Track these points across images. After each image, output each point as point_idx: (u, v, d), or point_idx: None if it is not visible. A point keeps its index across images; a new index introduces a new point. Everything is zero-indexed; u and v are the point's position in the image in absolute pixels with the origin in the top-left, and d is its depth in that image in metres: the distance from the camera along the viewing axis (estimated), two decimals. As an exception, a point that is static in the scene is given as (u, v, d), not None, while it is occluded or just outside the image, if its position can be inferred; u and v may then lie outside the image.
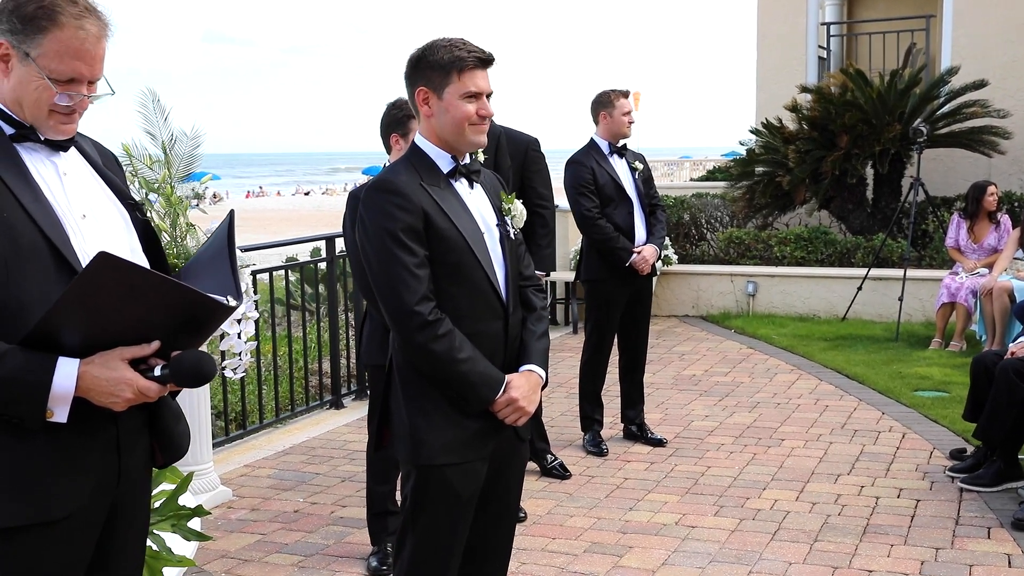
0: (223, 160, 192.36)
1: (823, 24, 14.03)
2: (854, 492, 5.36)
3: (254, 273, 6.56)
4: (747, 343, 9.40)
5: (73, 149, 2.31)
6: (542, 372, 3.04)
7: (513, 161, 5.40)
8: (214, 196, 58.94)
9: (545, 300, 3.18)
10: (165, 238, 5.13)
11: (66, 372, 2.09)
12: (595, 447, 6.14)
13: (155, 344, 2.15)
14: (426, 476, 2.91)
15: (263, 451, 6.31)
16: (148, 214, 5.09)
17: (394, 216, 2.82)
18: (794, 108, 11.52)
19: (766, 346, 9.24)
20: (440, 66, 2.90)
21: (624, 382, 6.39)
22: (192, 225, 5.27)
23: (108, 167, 2.40)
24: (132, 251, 2.31)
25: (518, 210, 3.06)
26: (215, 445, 6.25)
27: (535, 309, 3.10)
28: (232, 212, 2.48)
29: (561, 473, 5.69)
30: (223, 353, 5.22)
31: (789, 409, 7.06)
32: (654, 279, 6.39)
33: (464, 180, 3.01)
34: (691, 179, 17.54)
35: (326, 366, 7.45)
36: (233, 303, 2.19)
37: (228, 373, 5.22)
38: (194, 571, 4.47)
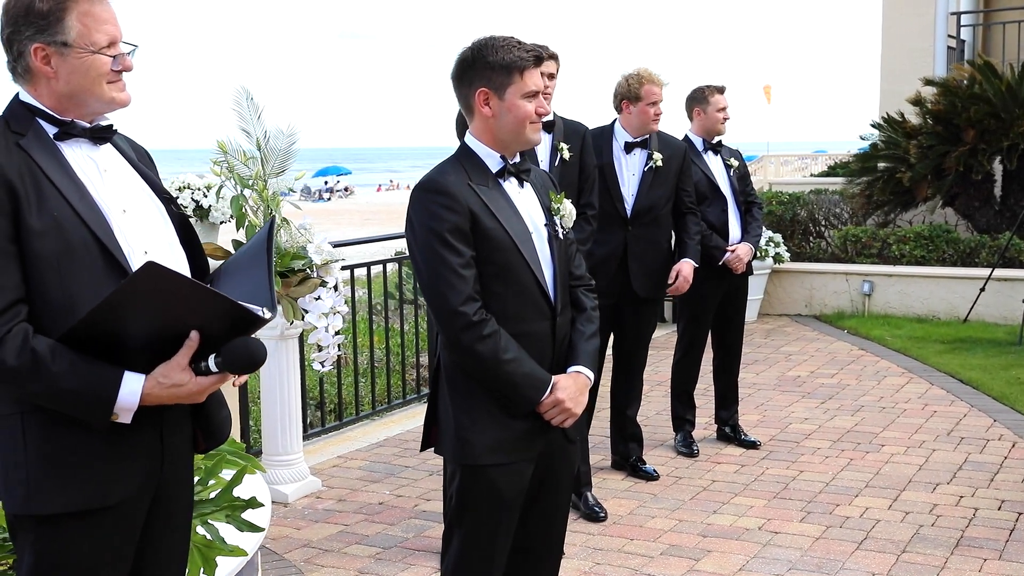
0: (358, 155, 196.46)
1: (953, 14, 13.49)
2: (952, 502, 5.16)
3: (351, 268, 6.68)
4: (859, 344, 9.12)
5: (109, 145, 2.38)
6: (590, 374, 3.01)
7: (672, 162, 5.44)
8: (345, 190, 60.22)
9: (596, 301, 3.14)
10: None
11: (130, 390, 2.18)
12: (686, 448, 6.05)
13: (196, 335, 2.21)
14: (470, 476, 2.92)
15: (357, 443, 6.42)
16: (247, 208, 5.23)
17: (441, 216, 2.82)
18: (917, 102, 11.11)
19: (879, 348, 8.95)
20: (502, 66, 2.89)
21: (718, 382, 6.29)
22: (286, 220, 5.38)
23: (142, 162, 2.47)
24: (170, 244, 2.38)
25: (567, 210, 3.03)
26: (312, 436, 6.40)
27: (585, 310, 3.07)
28: (273, 219, 2.53)
29: (649, 475, 5.63)
30: (319, 347, 5.33)
31: (894, 414, 6.83)
32: (750, 278, 6.25)
33: (514, 179, 3.00)
34: (811, 175, 17.10)
35: (424, 359, 7.53)
36: (268, 315, 2.23)
37: (316, 366, 5.33)
38: (275, 559, 4.59)
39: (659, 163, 5.34)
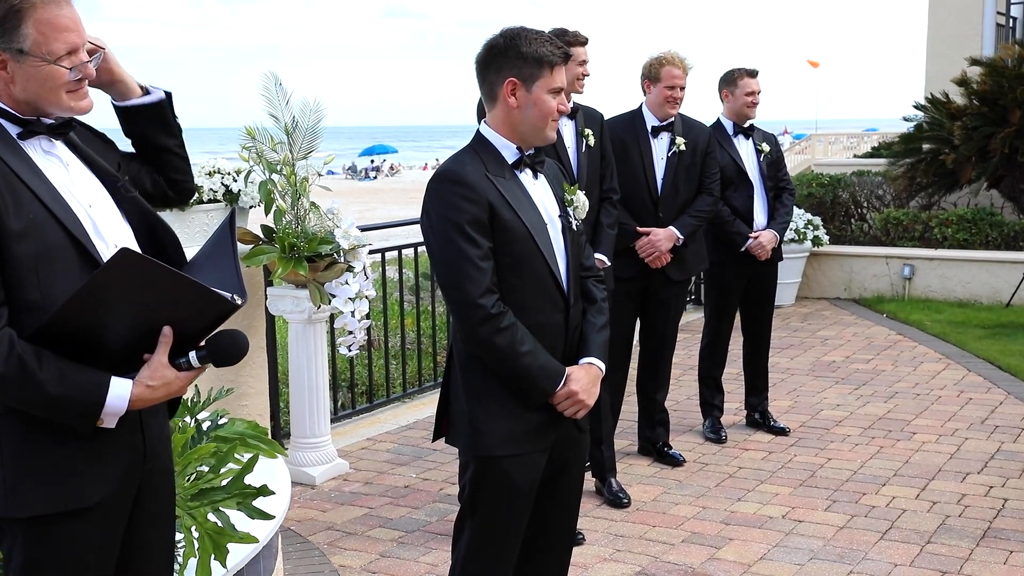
0: (403, 132, 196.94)
1: (1003, -9, 13.23)
2: (981, 492, 5.10)
3: (382, 251, 6.71)
4: (897, 329, 9.02)
5: (59, 141, 2.31)
6: (602, 365, 3.02)
7: (696, 147, 5.41)
8: (391, 168, 60.41)
9: (605, 292, 3.14)
10: (287, 218, 5.30)
11: (118, 395, 2.17)
12: (713, 434, 6.03)
13: (169, 331, 2.20)
14: (485, 467, 2.93)
15: (387, 425, 6.46)
16: (275, 193, 5.25)
17: (460, 207, 2.82)
18: (963, 82, 10.91)
19: (917, 332, 8.84)
20: (534, 59, 2.87)
21: (747, 369, 6.27)
22: (315, 204, 5.41)
23: (90, 145, 2.39)
24: (130, 236, 2.35)
25: (580, 201, 3.03)
26: (342, 417, 6.46)
27: (596, 301, 3.08)
28: (233, 210, 2.54)
29: (675, 459, 5.62)
30: (347, 331, 5.37)
31: (928, 400, 6.75)
32: (788, 262, 6.20)
33: (528, 170, 2.99)
34: (855, 156, 16.89)
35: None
36: (239, 301, 2.23)
37: (343, 350, 5.38)
38: (298, 541, 4.64)
39: (682, 147, 5.31)
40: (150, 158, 2.50)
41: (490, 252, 2.84)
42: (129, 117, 2.45)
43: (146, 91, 2.46)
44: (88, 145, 2.40)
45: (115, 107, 2.43)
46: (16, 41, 2.17)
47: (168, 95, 2.48)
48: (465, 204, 2.82)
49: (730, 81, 5.84)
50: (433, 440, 3.15)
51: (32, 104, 2.23)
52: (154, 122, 2.47)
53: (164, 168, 2.51)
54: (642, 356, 5.64)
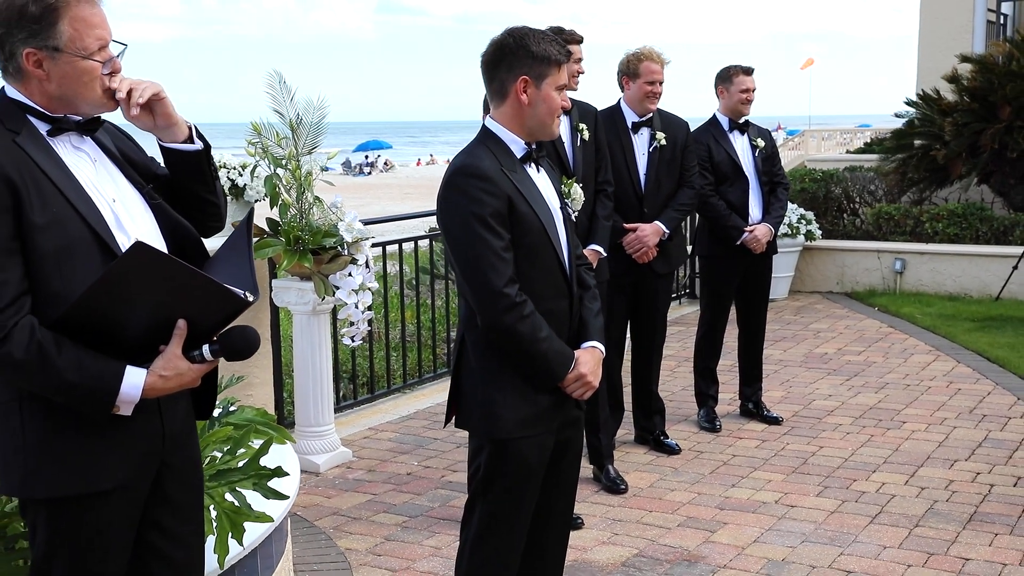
0: (397, 128, 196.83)
1: (993, -11, 13.38)
2: (968, 479, 5.24)
3: (383, 244, 6.84)
4: (888, 322, 9.17)
5: (88, 137, 2.39)
6: (602, 348, 3.16)
7: (675, 141, 5.53)
8: (385, 164, 60.44)
9: (595, 279, 3.30)
10: (292, 211, 5.42)
11: (132, 383, 2.26)
12: (708, 423, 6.17)
13: (183, 324, 2.30)
14: (501, 449, 3.05)
15: (388, 415, 6.59)
16: (280, 187, 5.38)
17: (482, 201, 2.93)
18: (953, 79, 11.06)
19: (908, 325, 8.99)
20: (545, 57, 3.00)
21: (742, 360, 6.40)
22: (319, 199, 5.53)
23: (119, 144, 2.48)
24: (155, 232, 2.43)
25: (578, 193, 3.16)
26: (344, 408, 6.58)
27: (589, 287, 3.23)
28: (252, 210, 2.64)
29: (671, 448, 5.75)
30: (350, 322, 5.50)
31: (918, 391, 6.90)
32: (781, 256, 6.33)
33: (533, 164, 3.12)
34: (847, 151, 17.05)
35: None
36: (251, 298, 2.33)
37: (346, 341, 5.51)
38: (305, 526, 4.77)
39: (663, 142, 5.43)
40: (185, 201, 2.54)
41: (510, 243, 2.97)
42: (169, 158, 2.51)
43: (191, 136, 2.49)
44: (121, 146, 2.49)
45: (160, 147, 2.51)
46: (52, 39, 2.25)
47: (207, 147, 2.52)
48: (487, 197, 2.93)
49: (726, 78, 5.98)
50: (444, 425, 3.27)
51: (66, 100, 2.32)
52: (190, 169, 2.51)
53: (195, 211, 2.56)
54: (635, 349, 5.78)
